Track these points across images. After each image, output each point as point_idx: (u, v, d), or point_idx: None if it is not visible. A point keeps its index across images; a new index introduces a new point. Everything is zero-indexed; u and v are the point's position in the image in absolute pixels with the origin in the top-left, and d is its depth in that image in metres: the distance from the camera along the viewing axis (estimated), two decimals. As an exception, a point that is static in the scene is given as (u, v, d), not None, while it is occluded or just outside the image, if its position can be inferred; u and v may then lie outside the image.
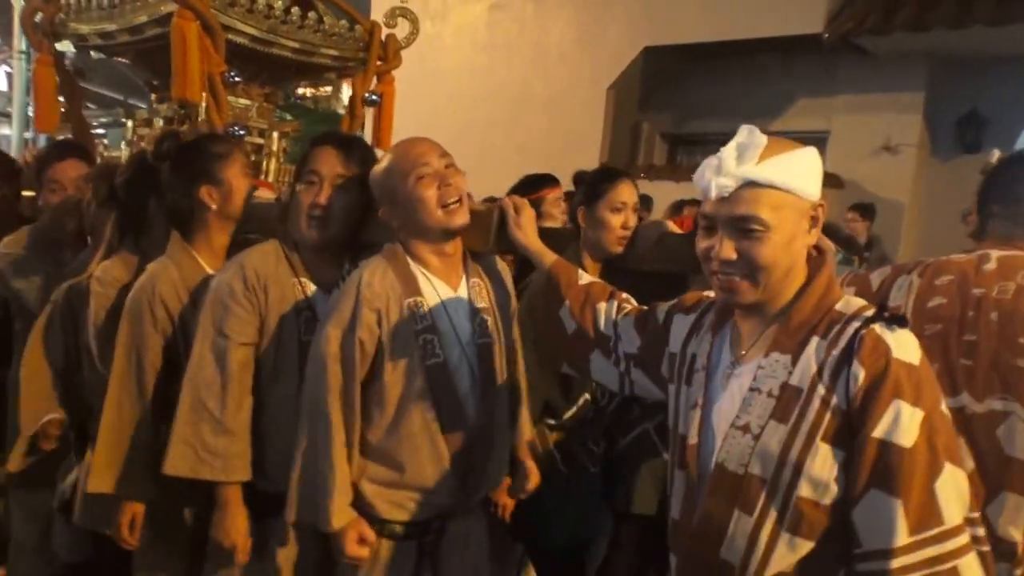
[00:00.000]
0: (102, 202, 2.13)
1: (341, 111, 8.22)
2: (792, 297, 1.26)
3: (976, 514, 1.16)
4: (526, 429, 2.02)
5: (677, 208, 5.95)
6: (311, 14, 2.75)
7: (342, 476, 1.63)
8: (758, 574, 1.21)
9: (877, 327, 1.17)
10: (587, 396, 2.28)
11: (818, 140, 6.73)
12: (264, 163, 2.87)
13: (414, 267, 1.73)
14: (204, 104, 2.52)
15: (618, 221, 2.22)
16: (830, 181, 6.70)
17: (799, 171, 1.21)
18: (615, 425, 2.33)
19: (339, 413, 1.64)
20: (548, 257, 1.78)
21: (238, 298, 1.77)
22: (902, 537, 1.10)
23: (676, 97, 8.43)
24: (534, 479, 1.98)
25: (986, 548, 1.14)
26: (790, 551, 1.19)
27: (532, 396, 2.06)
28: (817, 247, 1.29)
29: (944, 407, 1.17)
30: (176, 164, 1.99)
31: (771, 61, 7.59)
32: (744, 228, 1.20)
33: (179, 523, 1.96)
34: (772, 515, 1.20)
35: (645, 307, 1.62)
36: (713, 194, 1.22)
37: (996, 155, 2.03)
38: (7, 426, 2.50)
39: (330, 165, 1.82)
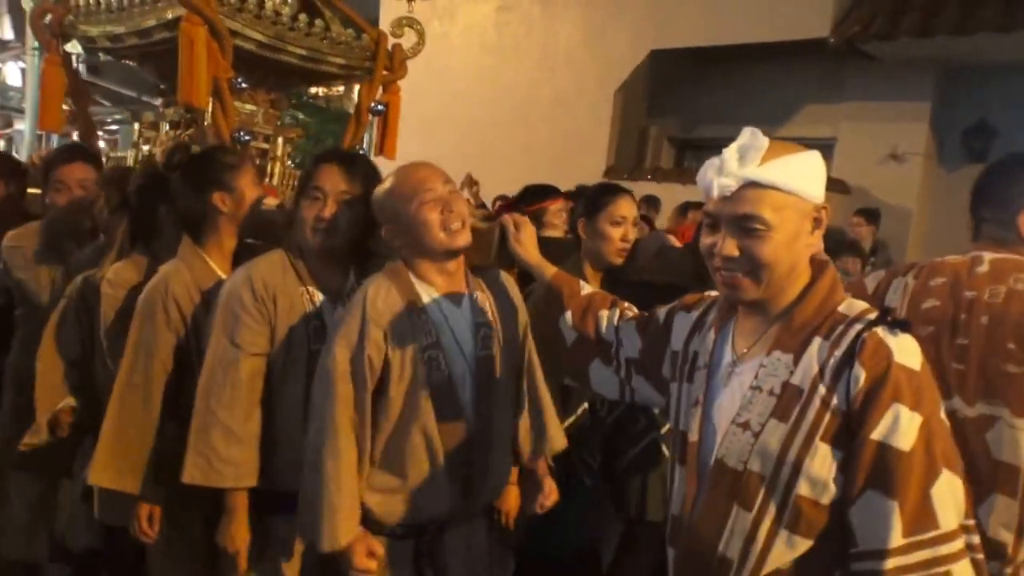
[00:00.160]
0: (114, 209, 2.20)
1: (352, 111, 8.23)
2: (796, 297, 1.27)
3: (971, 521, 1.16)
4: (555, 441, 1.98)
5: (683, 210, 5.97)
6: (318, 21, 2.77)
7: (348, 493, 1.65)
8: (755, 570, 1.22)
9: (879, 330, 1.18)
10: (585, 406, 2.30)
11: (825, 147, 6.70)
12: (269, 167, 2.89)
13: (417, 284, 1.76)
14: (210, 109, 2.54)
15: (618, 233, 2.27)
16: (836, 187, 6.69)
17: (801, 173, 1.22)
18: (618, 436, 2.35)
19: (348, 431, 1.66)
20: (549, 270, 1.80)
21: (248, 309, 1.81)
22: (897, 538, 1.11)
23: (683, 102, 8.43)
24: (552, 496, 1.95)
25: (980, 555, 1.15)
26: (788, 549, 1.21)
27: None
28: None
29: (943, 414, 1.18)
30: (190, 172, 2.04)
31: (778, 67, 7.59)
32: (746, 227, 1.22)
33: (195, 518, 1.99)
34: (771, 512, 1.21)
35: (646, 312, 1.65)
36: (715, 193, 1.24)
37: None
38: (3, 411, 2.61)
39: (333, 182, 1.85)
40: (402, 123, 3.10)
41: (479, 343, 1.79)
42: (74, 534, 2.48)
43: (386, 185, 1.79)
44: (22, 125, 11.47)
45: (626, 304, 1.72)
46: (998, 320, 1.71)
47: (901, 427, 1.13)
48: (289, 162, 2.98)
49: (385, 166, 1.99)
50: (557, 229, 2.81)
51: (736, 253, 1.23)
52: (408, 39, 3.02)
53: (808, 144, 1.27)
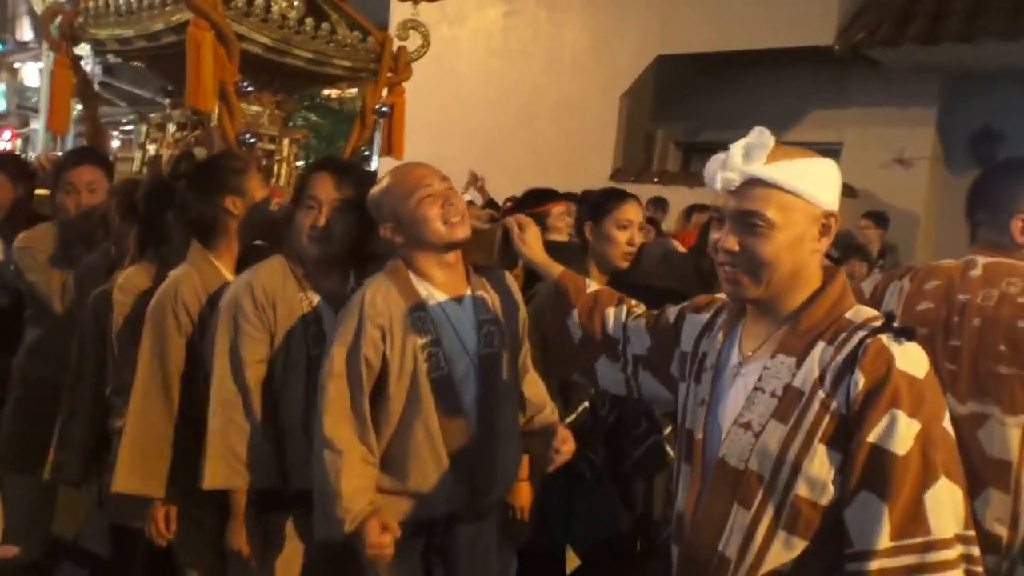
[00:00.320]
0: (124, 216, 2.24)
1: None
2: (804, 301, 1.27)
3: (972, 532, 1.15)
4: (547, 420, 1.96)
5: (688, 214, 5.99)
6: (324, 24, 2.79)
7: (356, 475, 1.65)
8: (753, 569, 1.22)
9: (884, 338, 1.18)
10: (586, 404, 2.31)
11: (831, 152, 6.70)
12: (275, 168, 2.91)
13: (417, 282, 1.77)
14: (217, 111, 2.56)
15: (624, 237, 2.29)
16: (843, 191, 6.65)
17: (809, 177, 1.23)
18: (620, 436, 2.36)
19: (348, 428, 1.68)
20: (555, 269, 1.81)
21: (248, 317, 1.84)
22: (884, 541, 1.11)
23: (689, 107, 8.42)
24: (569, 443, 1.83)
25: (979, 569, 1.14)
26: (785, 549, 1.21)
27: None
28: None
29: (947, 423, 1.18)
30: (199, 180, 2.08)
31: (783, 73, 7.57)
32: (748, 223, 1.23)
33: (210, 514, 2.00)
34: (769, 512, 1.22)
35: (654, 310, 1.65)
36: (719, 186, 1.26)
37: None
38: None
39: (327, 191, 1.88)
40: (410, 124, 3.14)
41: (482, 340, 1.80)
42: (91, 539, 2.50)
43: (383, 185, 1.81)
44: (36, 124, 11.54)
45: (633, 302, 1.73)
46: (990, 323, 1.74)
47: (897, 431, 1.13)
48: (300, 163, 3.00)
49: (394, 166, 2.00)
50: (560, 232, 2.81)
51: (736, 248, 1.24)
52: (413, 42, 3.04)
53: (814, 148, 1.29)
